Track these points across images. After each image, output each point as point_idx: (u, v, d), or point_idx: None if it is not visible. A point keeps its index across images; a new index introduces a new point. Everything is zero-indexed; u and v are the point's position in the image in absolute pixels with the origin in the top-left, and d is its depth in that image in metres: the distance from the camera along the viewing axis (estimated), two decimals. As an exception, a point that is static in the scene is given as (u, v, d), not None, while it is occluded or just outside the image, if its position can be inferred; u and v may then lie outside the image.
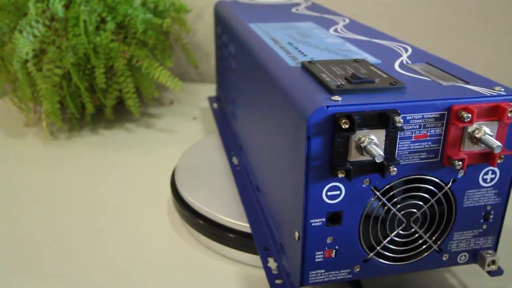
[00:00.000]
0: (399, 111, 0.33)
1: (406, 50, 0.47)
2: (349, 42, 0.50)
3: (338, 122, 0.32)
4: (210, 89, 0.97)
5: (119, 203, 0.60)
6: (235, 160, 0.59)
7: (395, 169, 0.34)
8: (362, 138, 0.33)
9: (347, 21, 0.61)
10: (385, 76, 0.37)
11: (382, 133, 0.33)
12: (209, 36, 1.00)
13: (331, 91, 0.34)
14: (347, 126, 0.32)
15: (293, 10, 0.69)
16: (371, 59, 0.43)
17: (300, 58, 0.43)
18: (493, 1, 0.90)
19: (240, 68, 0.57)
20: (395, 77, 0.38)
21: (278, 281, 0.41)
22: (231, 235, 0.48)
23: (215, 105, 0.80)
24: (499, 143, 0.33)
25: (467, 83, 0.37)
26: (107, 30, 0.69)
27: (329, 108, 0.33)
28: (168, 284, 0.46)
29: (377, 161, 0.32)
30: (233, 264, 0.49)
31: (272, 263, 0.43)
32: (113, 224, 0.55)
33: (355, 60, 0.41)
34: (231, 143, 0.63)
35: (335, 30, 0.55)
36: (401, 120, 0.33)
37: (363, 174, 0.35)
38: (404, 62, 0.43)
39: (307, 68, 0.39)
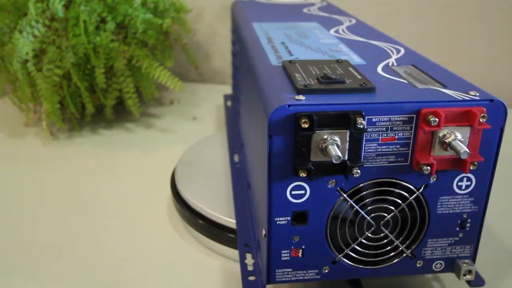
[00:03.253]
0: (363, 113, 0.33)
1: (399, 52, 0.46)
2: (343, 43, 0.49)
3: (298, 121, 0.32)
4: (210, 89, 0.98)
5: (119, 203, 0.60)
6: (236, 158, 0.60)
7: (359, 171, 0.34)
8: (325, 138, 0.33)
9: (353, 22, 0.60)
10: (359, 77, 0.37)
11: (346, 134, 0.33)
12: (209, 36, 1.01)
13: (297, 91, 0.35)
14: (306, 126, 0.32)
15: (305, 10, 0.69)
16: (357, 60, 0.43)
17: (286, 57, 0.44)
18: (494, 1, 0.88)
19: (241, 67, 0.58)
20: (371, 78, 0.37)
21: (251, 278, 0.42)
22: (230, 235, 0.49)
23: (228, 103, 0.81)
24: (466, 149, 0.32)
25: (445, 86, 0.36)
26: (107, 30, 0.70)
27: (290, 107, 0.33)
28: (168, 284, 0.46)
29: (334, 161, 0.32)
30: (233, 263, 0.49)
31: (250, 260, 0.44)
32: (113, 224, 0.56)
33: (337, 61, 0.41)
34: (236, 141, 0.64)
35: (336, 31, 0.55)
36: (363, 121, 0.33)
37: (327, 175, 0.35)
38: (390, 64, 0.42)
39: (285, 68, 0.40)
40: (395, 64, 0.42)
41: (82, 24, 0.68)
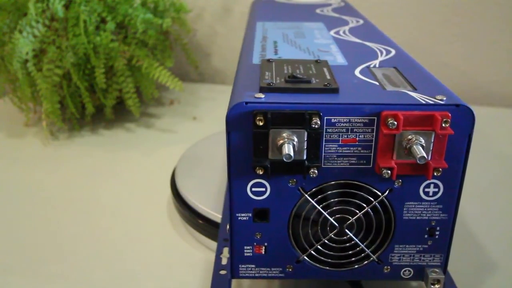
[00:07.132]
0: (320, 113, 0.33)
1: (388, 53, 0.45)
2: (336, 44, 0.49)
3: (254, 119, 0.33)
4: (210, 89, 0.98)
5: (119, 203, 0.60)
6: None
7: (316, 171, 0.34)
8: (283, 136, 0.33)
9: (360, 23, 0.59)
10: (328, 77, 0.37)
11: (304, 134, 0.33)
12: (209, 36, 1.01)
13: (260, 89, 0.35)
14: (261, 124, 0.33)
15: (318, 10, 0.69)
16: (340, 61, 0.43)
17: (270, 56, 0.44)
18: (493, 1, 0.86)
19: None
20: (345, 79, 0.37)
21: (222, 272, 0.42)
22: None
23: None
24: (423, 154, 0.32)
25: (415, 89, 0.35)
26: (107, 30, 0.70)
27: (247, 105, 0.33)
28: (168, 284, 0.47)
29: (285, 160, 0.32)
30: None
31: (226, 254, 0.44)
32: (113, 224, 0.56)
33: (316, 61, 0.41)
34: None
35: (337, 32, 0.54)
36: (319, 121, 0.33)
37: (284, 174, 0.35)
38: (372, 65, 0.41)
39: (260, 66, 0.40)
40: (377, 66, 0.41)
41: (82, 24, 0.69)
